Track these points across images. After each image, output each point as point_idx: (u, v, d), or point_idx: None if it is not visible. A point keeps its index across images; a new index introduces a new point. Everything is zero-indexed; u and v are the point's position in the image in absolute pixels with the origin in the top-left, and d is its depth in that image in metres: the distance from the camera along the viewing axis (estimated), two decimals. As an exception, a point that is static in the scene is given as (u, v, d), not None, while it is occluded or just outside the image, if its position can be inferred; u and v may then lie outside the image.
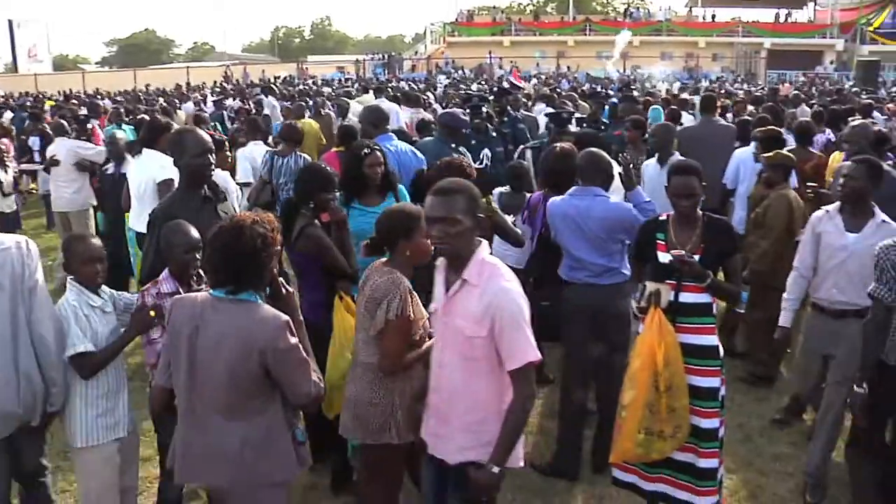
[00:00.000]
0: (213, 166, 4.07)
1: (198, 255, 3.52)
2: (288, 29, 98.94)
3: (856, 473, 4.16)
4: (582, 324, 4.43)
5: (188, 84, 30.39)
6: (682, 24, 47.50)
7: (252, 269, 2.82)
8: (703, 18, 48.15)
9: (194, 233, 3.54)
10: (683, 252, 3.71)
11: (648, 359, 3.64)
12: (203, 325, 2.80)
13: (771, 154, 5.75)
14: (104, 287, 3.66)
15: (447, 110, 8.71)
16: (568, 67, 39.63)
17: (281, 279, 3.05)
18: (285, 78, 34.73)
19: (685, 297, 3.77)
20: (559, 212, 4.58)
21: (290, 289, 3.11)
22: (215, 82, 31.68)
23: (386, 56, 46.89)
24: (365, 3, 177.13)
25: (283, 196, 6.79)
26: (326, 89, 24.53)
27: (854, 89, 22.98)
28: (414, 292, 3.34)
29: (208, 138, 4.09)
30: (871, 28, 45.28)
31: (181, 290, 3.61)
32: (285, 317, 2.83)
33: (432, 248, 3.06)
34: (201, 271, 3.58)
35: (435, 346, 3.06)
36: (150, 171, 5.99)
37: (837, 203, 4.24)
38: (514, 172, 5.81)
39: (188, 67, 44.65)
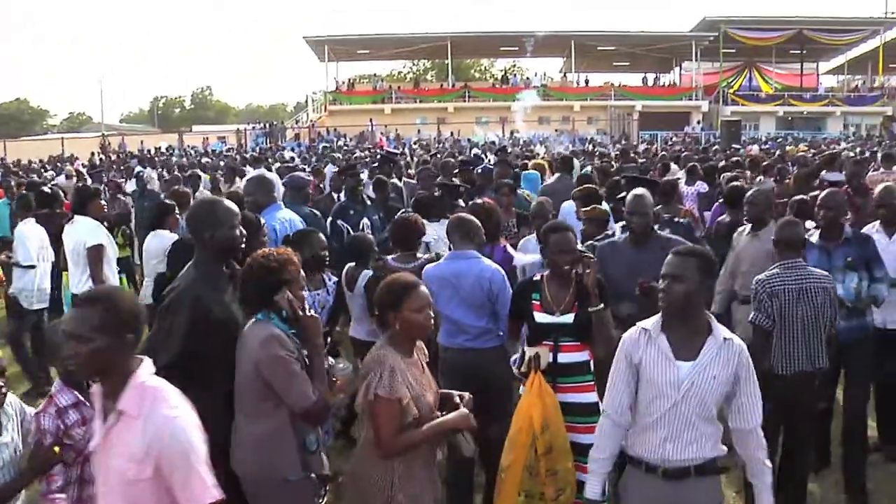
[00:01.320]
0: (243, 238, 3.71)
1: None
2: (168, 99, 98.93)
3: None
4: (463, 388, 3.90)
5: (61, 155, 31.03)
6: (557, 88, 50.41)
7: (255, 295, 3.40)
8: (578, 83, 51.21)
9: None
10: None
11: (526, 422, 3.75)
12: (240, 341, 3.37)
13: (588, 209, 6.58)
14: (10, 401, 3.21)
15: (291, 173, 8.93)
16: (451, 133, 41.31)
17: (299, 302, 3.37)
18: (164, 149, 35.20)
19: (563, 358, 4.04)
20: (434, 276, 4.70)
21: (311, 312, 3.37)
22: (92, 153, 32.27)
23: (268, 125, 47.65)
24: (246, 72, 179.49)
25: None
26: (206, 159, 25.76)
27: (715, 147, 26.33)
28: (421, 366, 3.37)
29: (237, 208, 3.76)
30: (731, 90, 50.64)
31: (82, 398, 3.29)
32: (274, 331, 3.26)
33: (430, 321, 3.27)
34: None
35: (97, 491, 2.62)
36: (80, 236, 6.50)
37: (657, 317, 3.20)
38: (356, 244, 5.86)
39: (62, 138, 44.13)
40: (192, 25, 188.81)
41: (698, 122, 47.44)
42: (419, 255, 5.58)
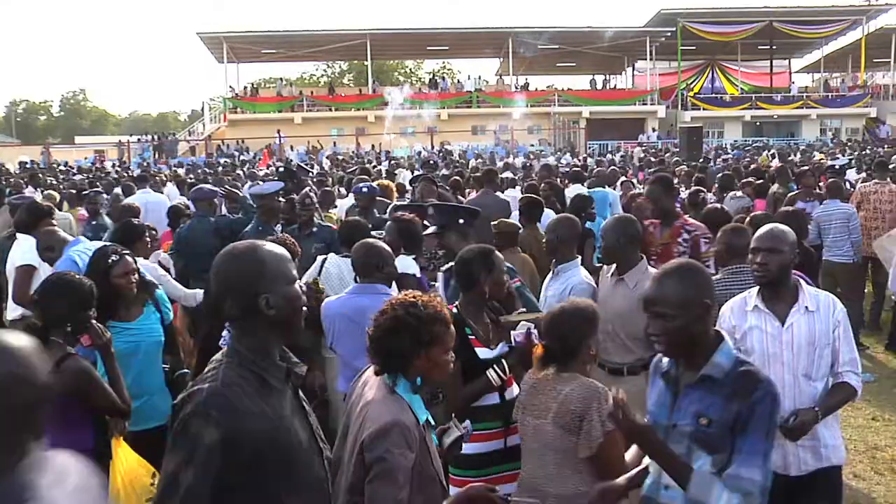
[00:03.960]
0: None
1: None
2: (30, 104, 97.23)
3: None
4: None
5: None
6: (493, 94, 51.12)
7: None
8: (516, 87, 51.76)
9: None
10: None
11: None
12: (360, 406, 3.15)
13: (496, 222, 7.24)
14: None
15: (197, 186, 10.18)
16: (373, 146, 41.41)
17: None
18: (26, 164, 33.92)
19: (510, 393, 4.30)
20: (335, 313, 4.74)
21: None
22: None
23: (156, 137, 47.13)
24: (129, 74, 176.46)
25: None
26: (78, 176, 25.27)
27: (675, 159, 26.77)
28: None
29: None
30: (691, 93, 52.01)
31: None
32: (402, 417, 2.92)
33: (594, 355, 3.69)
34: None
35: None
36: (14, 255, 6.89)
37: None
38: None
39: None
40: (62, 16, 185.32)
41: (654, 130, 48.49)
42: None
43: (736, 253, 5.29)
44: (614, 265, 5.31)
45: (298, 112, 48.41)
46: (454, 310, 4.22)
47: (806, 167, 15.34)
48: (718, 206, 8.43)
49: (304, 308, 2.76)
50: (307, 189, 9.11)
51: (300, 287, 2.77)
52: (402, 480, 2.81)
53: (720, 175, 13.33)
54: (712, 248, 6.15)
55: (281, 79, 57.93)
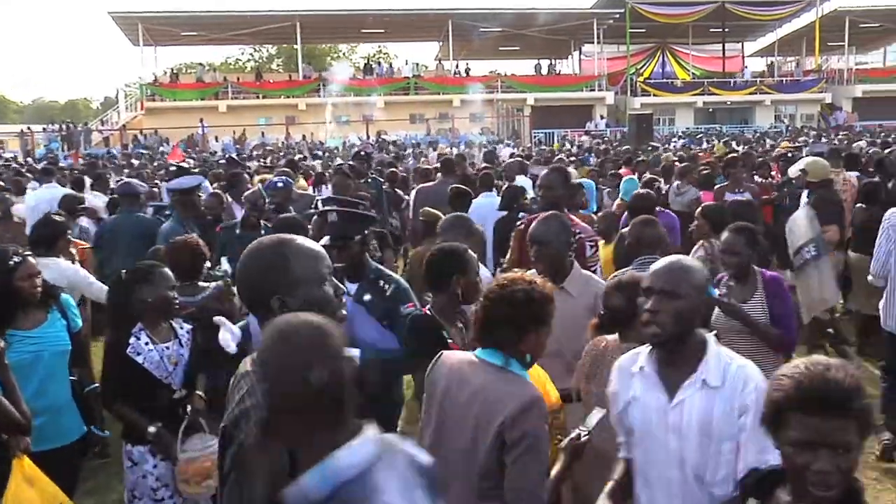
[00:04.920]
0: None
1: None
2: None
3: None
4: None
5: None
6: (433, 80, 50.94)
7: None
8: (457, 73, 51.68)
9: None
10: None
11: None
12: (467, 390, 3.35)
13: (423, 209, 7.92)
14: None
15: (126, 180, 10.24)
16: (303, 136, 41.21)
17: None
18: None
19: None
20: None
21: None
22: None
23: (65, 126, 45.93)
24: (32, 57, 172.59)
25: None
26: None
27: (626, 147, 26.96)
28: None
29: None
30: (641, 78, 52.43)
31: None
32: (536, 392, 3.25)
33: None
34: None
35: None
36: None
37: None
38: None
39: None
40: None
41: (602, 118, 48.78)
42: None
43: (647, 244, 5.44)
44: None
45: (223, 100, 47.77)
46: (428, 313, 4.39)
47: (760, 157, 15.53)
48: (643, 191, 8.54)
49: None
50: (259, 188, 8.90)
51: (330, 290, 2.69)
52: (546, 453, 3.12)
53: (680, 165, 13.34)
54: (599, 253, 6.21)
55: (202, 64, 57.07)
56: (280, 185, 9.02)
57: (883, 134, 31.44)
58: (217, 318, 4.90)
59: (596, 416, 3.42)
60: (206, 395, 5.07)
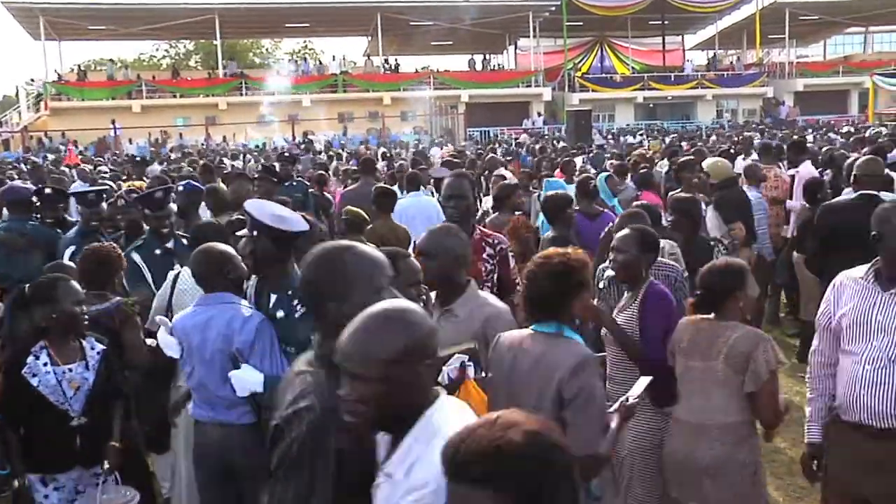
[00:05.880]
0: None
1: None
2: None
3: None
4: (214, 478, 4.58)
5: None
6: (361, 76, 50.73)
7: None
8: (387, 69, 51.59)
9: None
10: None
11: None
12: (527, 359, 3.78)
13: (345, 209, 8.54)
14: None
15: (10, 184, 9.82)
16: (224, 138, 40.81)
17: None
18: None
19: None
20: (189, 328, 4.59)
21: None
22: None
23: None
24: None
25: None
26: None
27: (562, 144, 27.05)
28: None
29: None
30: (579, 73, 53.10)
31: None
32: (588, 353, 3.84)
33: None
34: None
35: None
36: None
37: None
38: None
39: None
40: None
41: (539, 115, 49.30)
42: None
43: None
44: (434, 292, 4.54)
45: (137, 99, 47.00)
46: None
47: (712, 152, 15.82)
48: (553, 192, 8.55)
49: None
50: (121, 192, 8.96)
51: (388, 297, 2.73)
52: (601, 407, 3.63)
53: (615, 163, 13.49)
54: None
55: (112, 60, 56.17)
56: (181, 188, 8.79)
57: (824, 129, 32.13)
58: (159, 318, 4.93)
59: (641, 384, 3.95)
60: (122, 427, 4.89)
